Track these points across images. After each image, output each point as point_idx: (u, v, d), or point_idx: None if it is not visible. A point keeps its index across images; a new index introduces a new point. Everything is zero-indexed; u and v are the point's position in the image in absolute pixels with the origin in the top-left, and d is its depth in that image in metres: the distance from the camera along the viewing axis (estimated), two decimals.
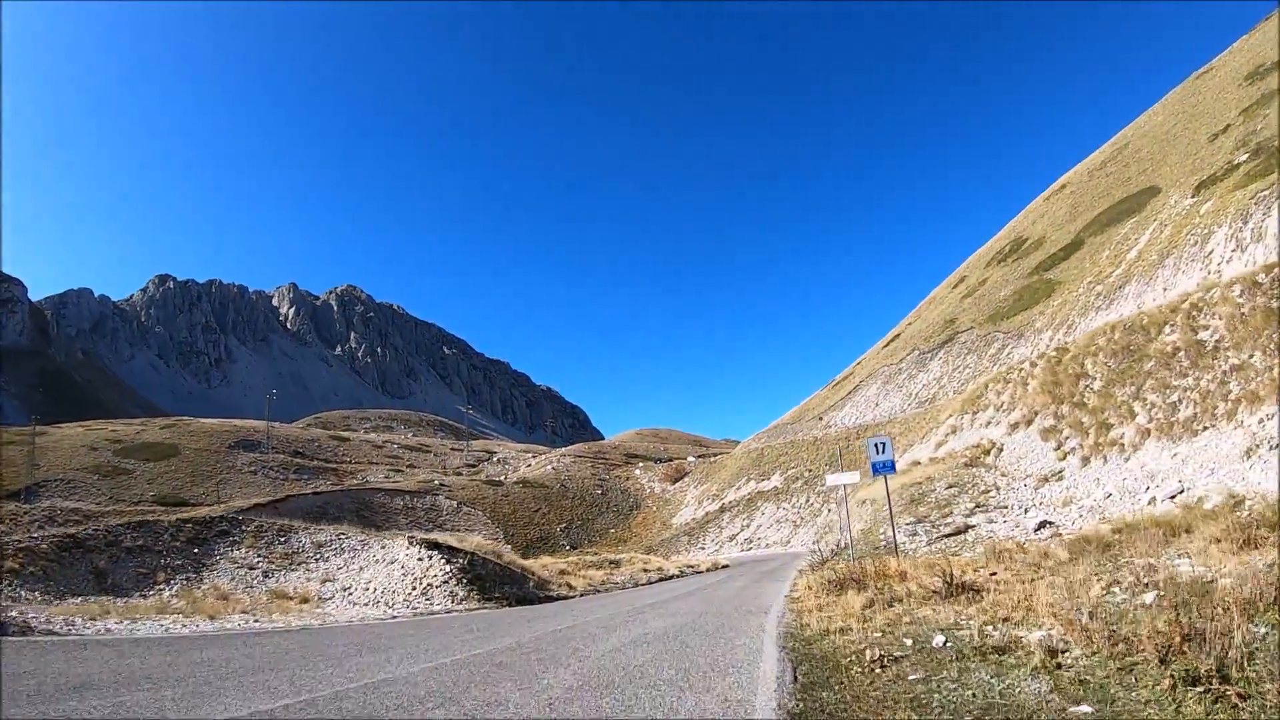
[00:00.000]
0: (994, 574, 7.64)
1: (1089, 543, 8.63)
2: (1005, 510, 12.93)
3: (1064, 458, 13.72)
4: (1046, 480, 13.32)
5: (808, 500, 48.08)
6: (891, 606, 6.76)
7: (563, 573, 18.32)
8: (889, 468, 11.91)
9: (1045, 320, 39.16)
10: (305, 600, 13.31)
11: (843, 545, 15.65)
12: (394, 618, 11.22)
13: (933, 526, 12.96)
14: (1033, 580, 6.81)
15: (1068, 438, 14.20)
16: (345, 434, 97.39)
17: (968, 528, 12.24)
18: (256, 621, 10.27)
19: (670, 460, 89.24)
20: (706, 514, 59.53)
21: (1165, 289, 24.90)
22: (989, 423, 20.17)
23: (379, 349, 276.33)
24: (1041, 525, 11.46)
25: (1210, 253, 23.72)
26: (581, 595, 15.51)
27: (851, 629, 5.90)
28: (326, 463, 76.75)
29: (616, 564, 27.83)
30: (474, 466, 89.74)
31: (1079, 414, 14.56)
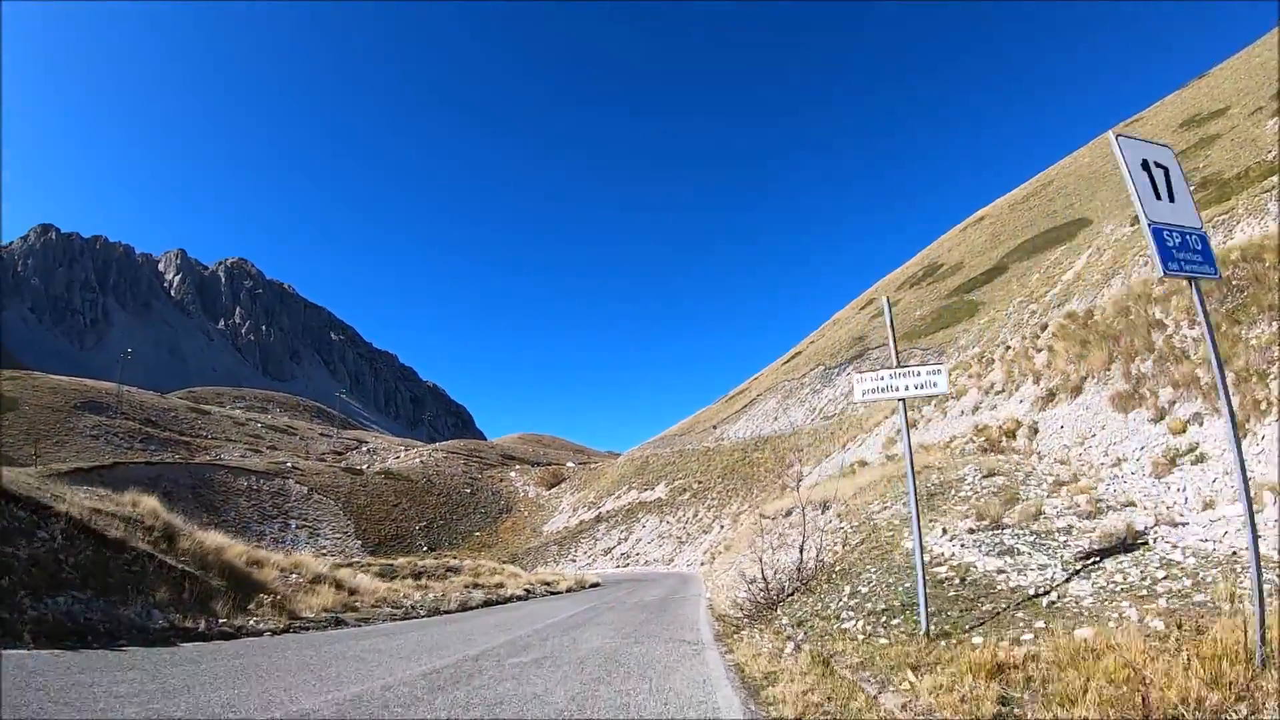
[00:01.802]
0: None
1: None
2: (1148, 509, 7.10)
3: (1182, 429, 8.14)
4: (1173, 463, 7.59)
5: (696, 515, 42.73)
6: None
7: (331, 581, 11.15)
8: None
9: (971, 337, 36.60)
10: None
11: (806, 569, 9.22)
12: None
13: (1038, 539, 6.88)
14: None
15: (1175, 403, 8.67)
16: (206, 408, 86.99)
17: (1136, 540, 6.19)
18: None
19: (549, 465, 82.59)
20: (581, 523, 53.31)
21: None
22: (978, 406, 14.86)
23: (264, 327, 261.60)
24: None
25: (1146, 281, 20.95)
26: (292, 629, 8.13)
27: None
28: (180, 435, 68.71)
29: (456, 571, 22.23)
30: (340, 454, 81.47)
31: (1178, 369, 9.18)
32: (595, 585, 23.46)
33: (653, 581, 24.81)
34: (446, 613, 11.81)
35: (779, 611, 8.24)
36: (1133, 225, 32.30)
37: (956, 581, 6.67)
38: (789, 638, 6.67)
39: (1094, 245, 34.29)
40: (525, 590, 17.53)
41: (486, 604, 13.94)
